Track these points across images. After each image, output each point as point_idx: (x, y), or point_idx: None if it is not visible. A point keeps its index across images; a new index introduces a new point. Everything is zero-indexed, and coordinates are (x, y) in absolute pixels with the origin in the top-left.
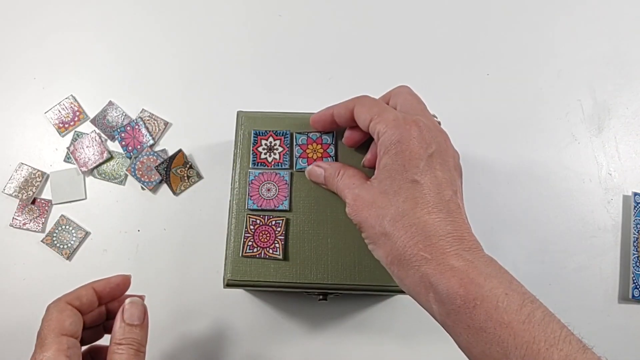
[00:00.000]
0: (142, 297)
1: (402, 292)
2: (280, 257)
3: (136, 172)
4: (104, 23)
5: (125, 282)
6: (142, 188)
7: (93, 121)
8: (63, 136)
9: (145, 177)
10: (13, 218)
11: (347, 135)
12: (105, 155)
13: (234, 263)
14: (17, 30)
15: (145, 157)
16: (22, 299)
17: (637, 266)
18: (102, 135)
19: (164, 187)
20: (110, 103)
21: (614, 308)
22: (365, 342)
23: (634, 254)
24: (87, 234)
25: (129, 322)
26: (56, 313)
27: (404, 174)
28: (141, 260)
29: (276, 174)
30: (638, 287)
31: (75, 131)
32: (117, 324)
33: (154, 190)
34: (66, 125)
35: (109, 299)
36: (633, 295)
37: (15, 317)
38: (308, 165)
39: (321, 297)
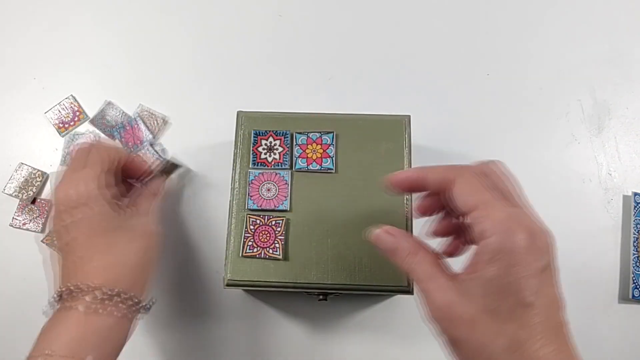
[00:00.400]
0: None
1: (402, 292)
2: (281, 257)
3: None
4: (104, 23)
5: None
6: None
7: (92, 121)
8: (63, 136)
9: None
10: (13, 218)
11: (422, 204)
12: None
13: (234, 263)
14: (16, 31)
15: (142, 152)
16: (22, 299)
17: (637, 266)
18: (99, 135)
19: (165, 188)
20: (108, 103)
21: (614, 308)
22: (365, 342)
23: (634, 254)
24: None
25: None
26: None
27: (518, 295)
28: None
29: (276, 174)
30: (638, 287)
31: (69, 133)
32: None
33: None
34: (66, 125)
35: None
36: (633, 295)
37: (15, 317)
38: (307, 165)
39: (321, 297)
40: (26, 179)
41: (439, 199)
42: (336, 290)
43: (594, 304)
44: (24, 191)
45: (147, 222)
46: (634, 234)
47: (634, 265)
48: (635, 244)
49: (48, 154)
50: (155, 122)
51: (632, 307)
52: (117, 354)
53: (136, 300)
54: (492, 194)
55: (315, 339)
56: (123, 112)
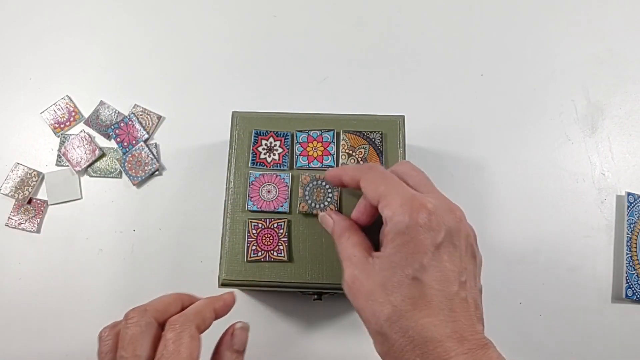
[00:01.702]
0: (246, 324)
1: None
2: (285, 258)
3: (126, 164)
4: (99, 23)
5: (234, 300)
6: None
7: (87, 122)
8: (59, 136)
9: (133, 171)
10: (9, 218)
11: (356, 216)
12: (97, 152)
13: (229, 263)
14: (12, 32)
15: (137, 151)
16: (18, 298)
17: (630, 266)
18: (92, 134)
19: (160, 187)
20: (102, 102)
21: (608, 307)
22: (360, 342)
23: (627, 254)
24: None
25: (237, 349)
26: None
27: (406, 269)
28: (136, 260)
29: (276, 176)
30: (631, 286)
31: (63, 134)
32: (225, 351)
33: (138, 185)
34: (62, 125)
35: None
36: (626, 295)
37: (10, 316)
38: (308, 163)
39: (316, 296)
40: (22, 179)
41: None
42: (331, 290)
43: (587, 303)
44: (19, 191)
45: None
46: (627, 233)
47: (627, 265)
48: (628, 243)
49: (44, 154)
50: (150, 121)
51: (625, 307)
52: None
53: None
54: (394, 185)
55: (310, 339)
56: (117, 111)
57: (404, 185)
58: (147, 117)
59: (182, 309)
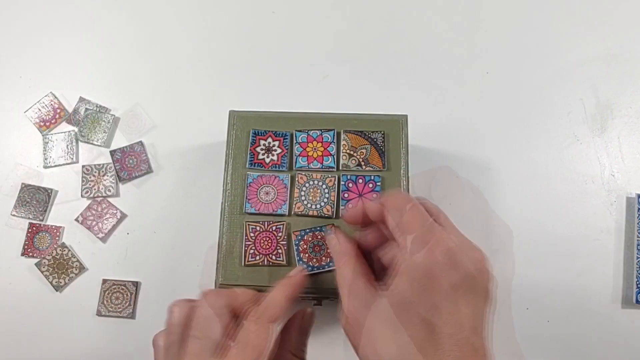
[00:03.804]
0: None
1: None
2: (284, 262)
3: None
4: (94, 22)
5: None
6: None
7: (69, 120)
8: (45, 135)
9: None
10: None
11: (364, 238)
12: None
13: (226, 267)
14: (2, 29)
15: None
16: (11, 303)
17: None
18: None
19: (155, 188)
20: (82, 99)
21: (617, 313)
22: None
23: (637, 258)
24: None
25: (305, 333)
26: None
27: (417, 308)
28: (131, 264)
29: (275, 177)
30: None
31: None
32: (293, 333)
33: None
34: (47, 123)
35: None
36: (637, 300)
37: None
38: (308, 163)
39: (316, 302)
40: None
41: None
42: (331, 296)
43: (596, 309)
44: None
45: None
46: (638, 236)
47: (638, 269)
48: (639, 247)
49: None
50: (141, 122)
51: (636, 312)
52: None
53: None
54: (418, 212)
55: (310, 345)
56: (98, 105)
57: (428, 217)
58: (136, 120)
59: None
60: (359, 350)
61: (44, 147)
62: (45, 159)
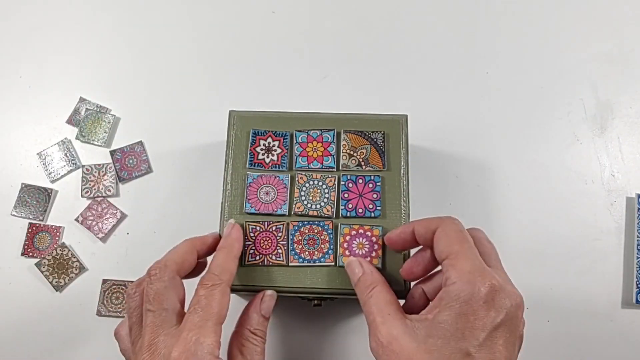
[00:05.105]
0: (274, 293)
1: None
2: (284, 262)
3: (115, 163)
4: (92, 21)
5: (217, 240)
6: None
7: (69, 122)
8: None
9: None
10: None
11: (409, 266)
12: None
13: None
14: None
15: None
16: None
17: None
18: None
19: (154, 189)
20: (82, 99)
21: (617, 313)
22: (361, 348)
23: (637, 258)
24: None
25: (264, 314)
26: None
27: (460, 343)
28: (131, 264)
29: (275, 177)
30: None
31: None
32: (252, 313)
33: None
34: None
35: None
36: (637, 300)
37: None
38: (308, 164)
39: (316, 302)
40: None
41: (425, 262)
42: (332, 295)
43: (596, 309)
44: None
45: None
46: (638, 236)
47: (638, 269)
48: (639, 247)
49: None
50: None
51: (636, 312)
52: None
53: None
54: (468, 249)
55: (310, 345)
56: (98, 105)
57: (477, 254)
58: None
59: (198, 256)
60: None
61: (43, 165)
62: (50, 173)
